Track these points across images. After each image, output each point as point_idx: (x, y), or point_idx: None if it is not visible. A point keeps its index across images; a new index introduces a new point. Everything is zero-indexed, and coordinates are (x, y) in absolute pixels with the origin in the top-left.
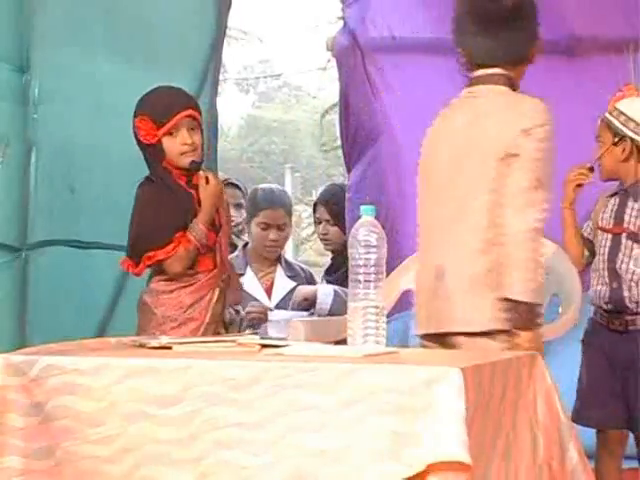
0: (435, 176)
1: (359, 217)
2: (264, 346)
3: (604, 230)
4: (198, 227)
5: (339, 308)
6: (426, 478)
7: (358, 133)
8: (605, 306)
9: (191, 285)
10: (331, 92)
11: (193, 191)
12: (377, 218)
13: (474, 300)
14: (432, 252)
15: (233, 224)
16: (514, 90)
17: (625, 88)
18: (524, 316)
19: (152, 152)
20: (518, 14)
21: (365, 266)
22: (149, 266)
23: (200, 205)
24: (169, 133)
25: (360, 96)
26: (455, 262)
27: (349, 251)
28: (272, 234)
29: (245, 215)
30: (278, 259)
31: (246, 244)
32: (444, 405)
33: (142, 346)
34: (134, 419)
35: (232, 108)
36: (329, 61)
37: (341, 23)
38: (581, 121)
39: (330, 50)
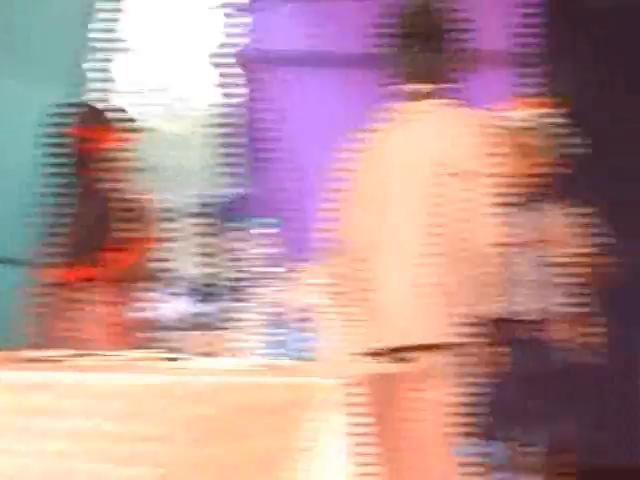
0: (386, 190)
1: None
2: (163, 360)
3: None
4: None
5: None
6: None
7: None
8: None
9: None
10: (222, 104)
11: None
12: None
13: (434, 314)
14: (389, 267)
15: None
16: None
17: (517, 100)
18: (490, 332)
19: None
20: (442, 33)
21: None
22: None
23: None
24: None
25: (263, 107)
26: (418, 277)
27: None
28: None
29: None
30: None
31: None
32: (326, 418)
33: (34, 360)
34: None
35: None
36: (213, 74)
37: (239, 37)
38: None
39: (214, 64)
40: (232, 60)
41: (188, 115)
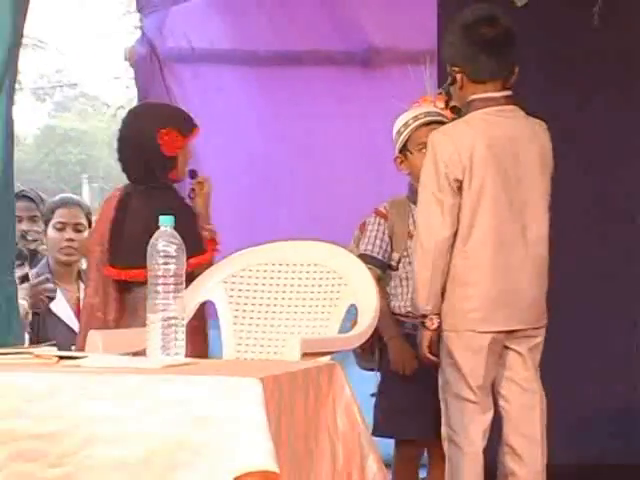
0: (497, 190)
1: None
2: (62, 358)
3: None
4: (208, 227)
5: None
6: None
7: None
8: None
9: None
10: (129, 102)
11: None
12: None
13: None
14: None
15: (30, 238)
16: None
17: (422, 100)
18: None
19: (167, 164)
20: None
21: (164, 277)
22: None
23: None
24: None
25: None
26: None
27: (148, 262)
28: (68, 233)
29: (42, 227)
30: (79, 275)
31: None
32: (245, 415)
33: None
34: None
35: (28, 118)
36: (127, 71)
37: (139, 33)
38: (378, 131)
39: (128, 60)
40: (147, 56)
41: (98, 112)
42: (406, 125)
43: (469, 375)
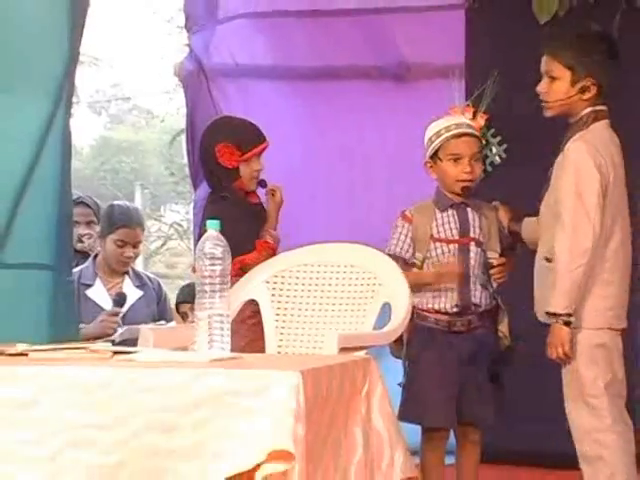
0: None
1: (205, 231)
2: (115, 353)
3: (450, 241)
4: (272, 232)
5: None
6: (257, 470)
7: None
8: (451, 309)
9: None
10: (179, 114)
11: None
12: None
13: None
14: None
15: (86, 242)
16: None
17: (451, 110)
18: None
19: (227, 174)
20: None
21: (211, 277)
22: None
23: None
24: (246, 160)
25: (206, 118)
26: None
27: (196, 264)
28: (127, 251)
29: (97, 230)
30: (125, 272)
31: (96, 255)
32: (280, 405)
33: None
34: None
35: (85, 129)
36: (176, 86)
37: (187, 50)
38: (412, 141)
39: (177, 75)
40: (195, 72)
41: (150, 124)
42: (438, 134)
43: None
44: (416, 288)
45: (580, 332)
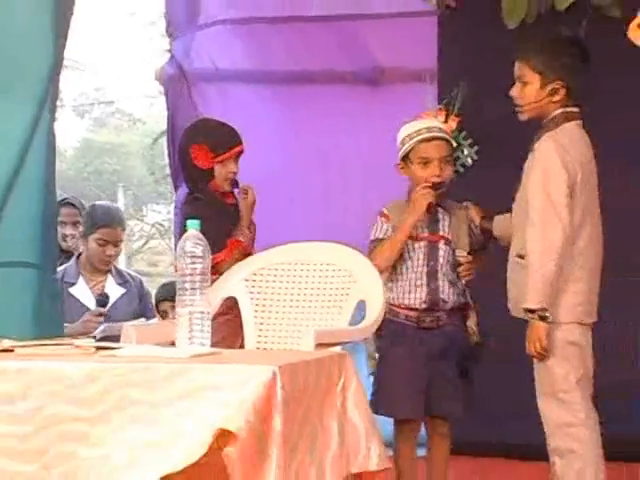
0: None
1: (184, 231)
2: (99, 348)
3: (422, 239)
4: (245, 231)
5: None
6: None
7: None
8: (419, 306)
9: None
10: (160, 117)
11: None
12: None
13: None
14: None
15: (70, 241)
16: None
17: (423, 114)
18: None
19: (202, 175)
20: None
21: (191, 275)
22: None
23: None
24: (220, 162)
25: (186, 121)
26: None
27: (177, 262)
28: (109, 250)
29: (81, 230)
30: (107, 271)
31: (79, 255)
32: (257, 399)
33: None
34: None
35: (69, 132)
36: (160, 91)
37: (168, 55)
38: (387, 144)
39: (158, 80)
40: (176, 76)
41: (133, 127)
42: (410, 137)
43: None
44: (396, 253)
45: (552, 328)
